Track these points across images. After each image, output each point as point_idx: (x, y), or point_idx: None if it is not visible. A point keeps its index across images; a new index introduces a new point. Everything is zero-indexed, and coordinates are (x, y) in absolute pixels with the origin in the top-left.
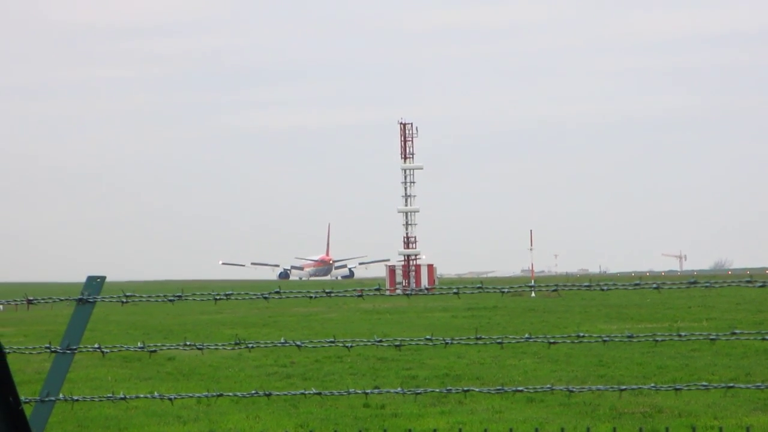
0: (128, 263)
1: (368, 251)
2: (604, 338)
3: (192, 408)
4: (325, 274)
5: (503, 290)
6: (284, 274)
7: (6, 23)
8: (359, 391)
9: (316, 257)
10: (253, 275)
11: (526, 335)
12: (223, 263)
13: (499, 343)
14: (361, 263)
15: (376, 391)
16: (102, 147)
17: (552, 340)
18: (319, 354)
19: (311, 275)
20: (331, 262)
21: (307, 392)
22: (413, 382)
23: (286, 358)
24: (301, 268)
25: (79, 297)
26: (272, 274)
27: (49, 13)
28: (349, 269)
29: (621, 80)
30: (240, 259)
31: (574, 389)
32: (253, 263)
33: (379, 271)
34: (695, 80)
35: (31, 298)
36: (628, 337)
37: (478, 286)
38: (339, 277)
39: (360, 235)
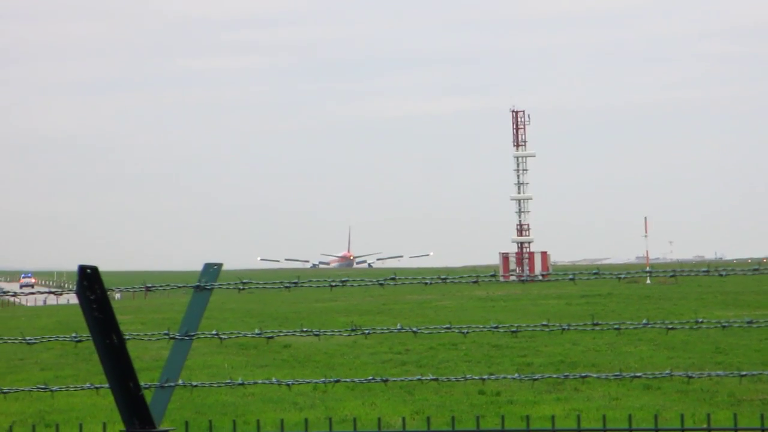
0: (241, 252)
1: (478, 240)
2: (723, 324)
3: (308, 395)
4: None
5: (620, 276)
6: (314, 268)
7: (113, 17)
8: (476, 377)
9: (340, 254)
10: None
11: (644, 321)
12: (261, 259)
13: (616, 329)
14: (378, 259)
15: (492, 377)
16: (202, 141)
17: (670, 326)
18: (434, 341)
19: None
20: (352, 257)
21: (423, 378)
22: (528, 369)
23: (401, 345)
24: (327, 264)
25: (197, 284)
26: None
27: (149, 4)
28: (369, 264)
29: (738, 64)
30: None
31: (694, 375)
32: (286, 259)
33: (394, 265)
34: None
35: (149, 285)
36: (748, 323)
37: (594, 272)
38: None
39: (469, 223)
